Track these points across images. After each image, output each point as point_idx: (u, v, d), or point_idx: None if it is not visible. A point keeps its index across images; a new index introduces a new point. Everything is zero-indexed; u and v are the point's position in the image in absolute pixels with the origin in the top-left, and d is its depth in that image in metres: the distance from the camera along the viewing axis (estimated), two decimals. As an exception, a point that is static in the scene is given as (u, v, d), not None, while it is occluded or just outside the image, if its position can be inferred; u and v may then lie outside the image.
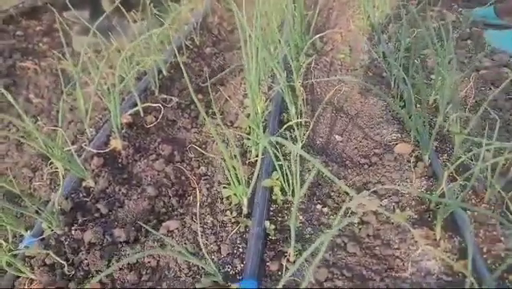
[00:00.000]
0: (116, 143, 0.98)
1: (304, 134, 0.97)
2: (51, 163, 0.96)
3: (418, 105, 1.10)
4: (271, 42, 1.30)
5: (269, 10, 1.55)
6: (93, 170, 0.92)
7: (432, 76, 1.24)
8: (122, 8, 1.40)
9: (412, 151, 0.96)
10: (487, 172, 0.80)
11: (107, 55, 1.22)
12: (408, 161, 0.94)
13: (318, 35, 1.25)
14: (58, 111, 1.30)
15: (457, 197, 0.79)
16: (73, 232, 0.78)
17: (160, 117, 1.06)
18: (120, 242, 0.78)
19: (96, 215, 0.83)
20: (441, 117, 0.99)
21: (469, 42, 1.57)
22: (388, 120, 1.09)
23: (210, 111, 1.19)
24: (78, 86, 1.06)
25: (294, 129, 1.02)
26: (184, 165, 0.98)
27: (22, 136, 1.09)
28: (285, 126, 0.90)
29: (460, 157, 0.95)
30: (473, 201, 0.83)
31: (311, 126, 0.99)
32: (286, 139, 1.01)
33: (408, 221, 0.81)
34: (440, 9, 1.89)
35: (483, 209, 0.80)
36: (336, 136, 1.07)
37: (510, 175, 0.79)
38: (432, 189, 0.87)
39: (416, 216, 0.82)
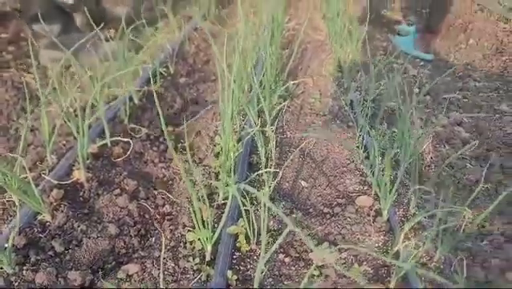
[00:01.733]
0: (79, 174, 0.94)
1: (272, 181, 0.99)
2: (5, 191, 0.91)
3: (380, 157, 1.17)
4: (245, 80, 1.33)
5: (247, 47, 1.59)
6: (51, 203, 0.88)
7: (395, 129, 1.33)
8: (95, 26, 1.38)
9: (373, 204, 1.01)
10: (439, 233, 0.86)
11: (76, 75, 1.19)
12: (368, 215, 0.98)
13: (292, 82, 1.30)
14: (16, 130, 1.24)
15: (411, 257, 0.83)
16: (24, 272, 0.73)
17: (128, 151, 1.04)
18: (75, 286, 0.74)
19: (51, 254, 0.78)
20: (401, 172, 1.05)
21: (428, 97, 1.69)
22: (352, 170, 1.15)
23: (180, 145, 1.18)
24: (43, 107, 1.02)
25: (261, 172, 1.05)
26: (149, 203, 0.96)
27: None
28: (254, 174, 0.91)
29: (415, 214, 1.02)
30: (425, 260, 0.88)
31: (280, 173, 1.01)
32: (255, 183, 1.03)
33: (364, 276, 0.84)
34: (403, 62, 2.03)
35: (431, 273, 0.84)
36: (302, 182, 1.10)
37: (461, 235, 0.85)
38: (389, 244, 0.91)
39: (372, 271, 0.86)
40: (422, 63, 2.18)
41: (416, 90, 1.74)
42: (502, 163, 1.28)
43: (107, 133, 1.05)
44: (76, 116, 1.10)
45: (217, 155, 1.13)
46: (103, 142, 1.02)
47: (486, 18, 2.68)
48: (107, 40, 2.01)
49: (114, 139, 1.01)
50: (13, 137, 1.19)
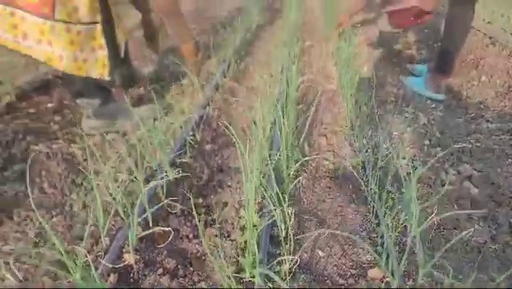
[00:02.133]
0: (130, 257, 1.12)
1: (291, 262, 1.13)
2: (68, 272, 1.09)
3: (390, 224, 1.29)
4: (262, 166, 1.47)
5: (265, 112, 1.75)
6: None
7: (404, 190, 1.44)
8: (128, 100, 1.59)
9: (384, 276, 1.14)
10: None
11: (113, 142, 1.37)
12: (380, 287, 1.11)
13: (307, 146, 1.45)
14: (71, 206, 1.43)
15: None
16: None
17: (169, 237, 1.20)
18: None
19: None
20: (409, 241, 1.17)
21: (438, 149, 1.79)
22: (364, 238, 1.27)
23: (210, 218, 1.34)
24: (94, 186, 1.18)
25: (282, 246, 1.19)
26: (187, 280, 1.12)
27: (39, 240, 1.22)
28: (276, 261, 1.06)
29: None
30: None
31: (298, 255, 1.15)
32: (277, 256, 1.17)
33: None
34: (413, 110, 2.14)
35: None
36: (319, 252, 1.24)
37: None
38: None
39: None
40: (434, 105, 2.28)
41: (427, 142, 1.85)
42: (511, 220, 1.38)
43: (150, 219, 1.22)
44: (123, 201, 1.29)
45: (242, 228, 1.28)
46: (150, 231, 1.19)
47: (498, 52, 2.75)
48: (139, 99, 2.22)
49: (157, 229, 1.18)
50: (68, 214, 1.39)
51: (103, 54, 1.61)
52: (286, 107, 1.71)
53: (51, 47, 1.50)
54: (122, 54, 2.18)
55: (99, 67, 1.63)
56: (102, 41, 1.59)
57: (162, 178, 1.41)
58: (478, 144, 1.87)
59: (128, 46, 2.31)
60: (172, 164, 1.54)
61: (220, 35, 3.25)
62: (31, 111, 1.98)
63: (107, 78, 1.67)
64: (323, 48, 3.23)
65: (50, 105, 2.07)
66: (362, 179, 1.52)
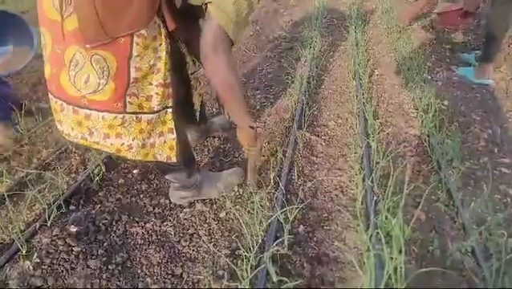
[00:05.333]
0: None
1: None
2: None
3: None
4: None
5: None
6: None
7: None
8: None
9: None
10: None
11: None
12: None
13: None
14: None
15: None
16: None
17: None
18: None
19: None
20: None
21: None
22: None
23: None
24: None
25: None
26: None
27: None
28: None
29: None
30: None
31: None
32: None
33: None
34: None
35: None
36: None
37: None
38: None
39: None
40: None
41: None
42: None
43: None
44: None
45: None
46: None
47: None
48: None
49: None
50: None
51: (171, 137, 1.55)
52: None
53: (121, 139, 1.46)
54: (198, 118, 2.17)
55: (166, 150, 1.57)
56: (172, 125, 1.53)
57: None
58: None
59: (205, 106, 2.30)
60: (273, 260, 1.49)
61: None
62: (121, 181, 2.03)
63: (174, 160, 1.61)
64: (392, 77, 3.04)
65: (135, 171, 2.11)
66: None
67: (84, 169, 2.09)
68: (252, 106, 2.71)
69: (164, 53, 1.42)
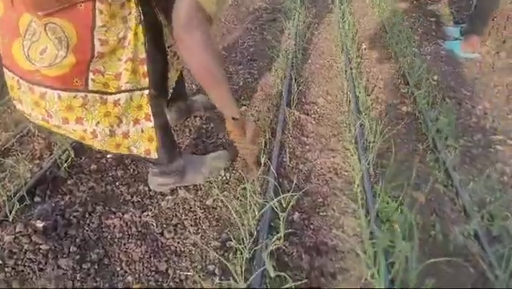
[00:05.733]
0: None
1: None
2: None
3: None
4: None
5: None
6: None
7: None
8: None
9: None
10: None
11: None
12: None
13: None
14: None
15: None
16: None
17: None
18: None
19: None
20: None
21: None
22: None
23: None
24: None
25: None
26: None
27: None
28: None
29: None
30: None
31: None
32: None
33: None
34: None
35: None
36: None
37: None
38: None
39: None
40: None
41: None
42: None
43: None
44: None
45: None
46: None
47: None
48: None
49: None
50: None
51: (149, 125, 1.35)
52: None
53: (82, 125, 1.26)
54: (170, 93, 1.96)
55: (144, 141, 1.38)
56: (149, 110, 1.32)
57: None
58: None
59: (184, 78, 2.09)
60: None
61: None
62: (93, 167, 1.82)
63: (154, 156, 1.42)
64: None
65: (109, 156, 1.90)
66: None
67: (50, 155, 1.86)
68: (235, 83, 2.51)
69: (135, 22, 1.20)
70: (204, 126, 2.16)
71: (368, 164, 1.66)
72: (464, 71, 2.75)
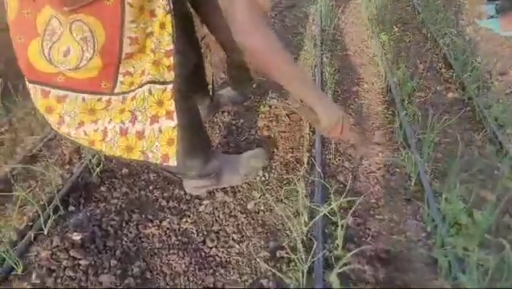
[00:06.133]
0: None
1: None
2: None
3: None
4: None
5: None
6: None
7: None
8: None
9: None
10: None
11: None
12: None
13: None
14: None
15: None
16: None
17: None
18: None
19: None
20: None
21: None
22: None
23: None
24: None
25: None
26: None
27: None
28: None
29: None
30: None
31: None
32: None
33: None
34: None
35: None
36: None
37: None
38: None
39: None
40: None
41: None
42: None
43: None
44: None
45: None
46: None
47: None
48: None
49: None
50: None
51: (170, 125, 1.12)
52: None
53: (96, 124, 1.13)
54: (211, 93, 1.85)
55: (162, 144, 1.13)
56: (172, 107, 1.11)
57: None
58: None
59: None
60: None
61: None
62: (124, 171, 1.72)
63: (173, 163, 1.16)
64: None
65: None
66: None
67: (79, 159, 1.76)
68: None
69: (163, 12, 1.06)
70: (233, 122, 2.03)
71: (424, 159, 1.52)
72: (506, 50, 2.56)
